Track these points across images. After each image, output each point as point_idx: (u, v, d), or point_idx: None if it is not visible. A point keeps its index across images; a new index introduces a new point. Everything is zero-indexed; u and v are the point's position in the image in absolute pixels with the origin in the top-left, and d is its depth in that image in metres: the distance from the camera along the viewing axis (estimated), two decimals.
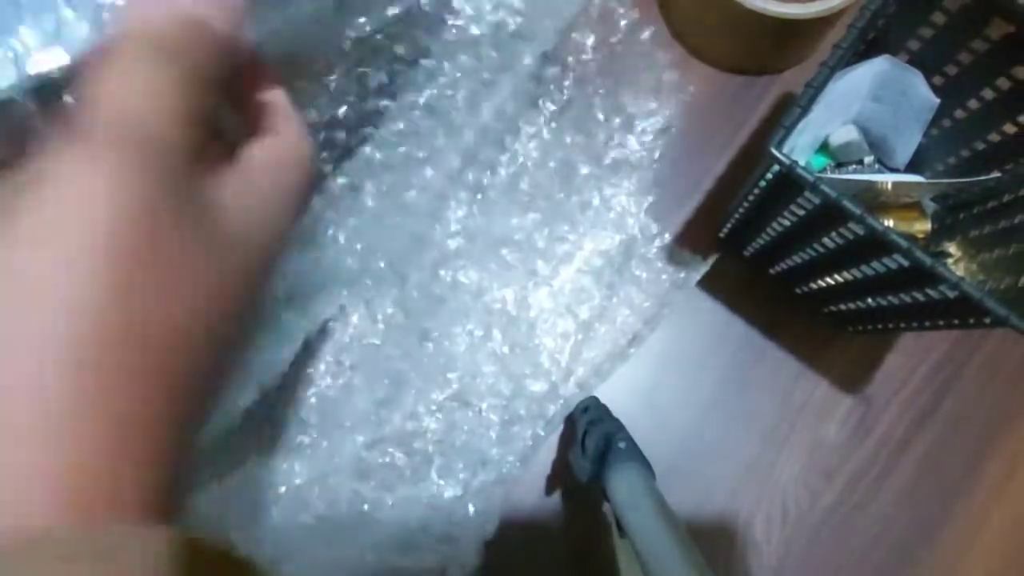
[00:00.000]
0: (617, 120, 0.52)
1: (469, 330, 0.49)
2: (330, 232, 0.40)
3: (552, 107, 0.51)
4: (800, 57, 0.56)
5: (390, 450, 0.47)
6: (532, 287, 0.51)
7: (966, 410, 0.52)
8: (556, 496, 0.50)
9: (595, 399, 0.49)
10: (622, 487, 0.38)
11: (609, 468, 0.39)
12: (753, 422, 0.52)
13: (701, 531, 0.50)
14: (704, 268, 0.52)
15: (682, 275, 0.52)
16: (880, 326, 0.47)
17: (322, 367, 0.47)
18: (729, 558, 0.50)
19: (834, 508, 0.51)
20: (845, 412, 0.52)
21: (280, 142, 0.22)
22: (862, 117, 0.51)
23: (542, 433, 0.49)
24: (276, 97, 0.24)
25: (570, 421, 0.50)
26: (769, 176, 0.38)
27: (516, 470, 0.48)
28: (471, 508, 0.47)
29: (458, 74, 0.40)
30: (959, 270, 0.46)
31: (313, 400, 0.47)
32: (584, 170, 0.52)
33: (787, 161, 0.34)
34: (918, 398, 0.52)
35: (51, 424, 0.14)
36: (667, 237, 0.53)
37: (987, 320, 0.35)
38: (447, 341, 0.49)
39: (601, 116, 0.52)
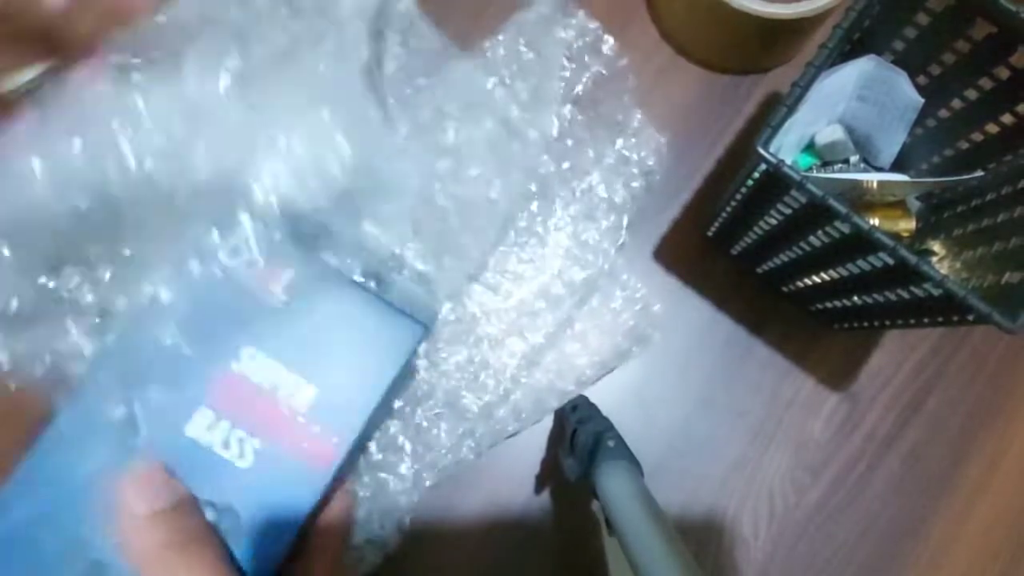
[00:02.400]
0: (604, 159, 0.51)
1: None
2: None
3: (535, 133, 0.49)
4: (786, 57, 0.57)
5: None
6: (487, 301, 0.49)
7: (950, 406, 0.53)
8: (545, 494, 0.50)
9: (584, 398, 0.49)
10: (611, 485, 0.38)
11: (598, 466, 0.40)
12: (740, 419, 0.52)
13: (690, 528, 0.50)
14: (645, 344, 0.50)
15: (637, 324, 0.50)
16: (865, 324, 0.48)
17: None
18: (717, 554, 0.50)
19: (821, 504, 0.51)
20: (831, 409, 0.52)
21: None
22: (847, 116, 0.51)
23: (467, 453, 0.47)
24: None
25: (559, 419, 0.50)
26: (756, 175, 0.38)
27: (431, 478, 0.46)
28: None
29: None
30: (943, 268, 0.46)
31: None
32: (561, 200, 0.51)
33: (774, 160, 0.34)
34: (903, 395, 0.53)
35: None
36: (634, 283, 0.51)
37: (970, 317, 0.35)
38: None
39: (591, 152, 0.51)
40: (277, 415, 0.32)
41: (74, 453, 0.30)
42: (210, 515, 0.30)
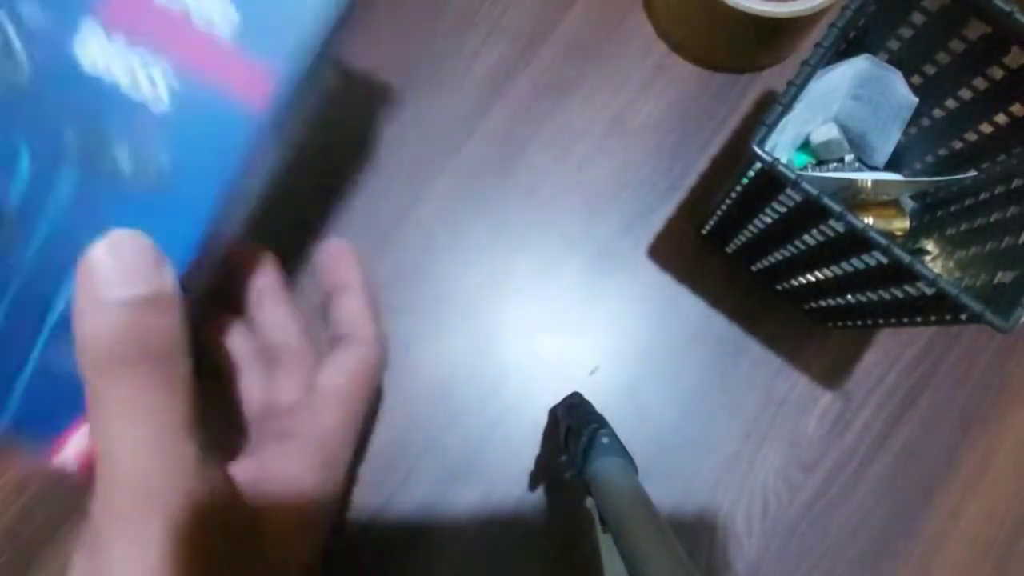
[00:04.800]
0: None
1: None
2: None
3: None
4: (782, 55, 0.57)
5: None
6: None
7: (942, 405, 0.53)
8: (539, 491, 0.50)
9: (578, 395, 0.49)
10: (605, 481, 0.38)
11: (592, 463, 0.40)
12: (734, 417, 0.52)
13: (683, 524, 0.50)
14: None
15: None
16: (859, 322, 0.48)
17: None
18: (710, 551, 0.50)
19: (814, 501, 0.51)
20: (824, 407, 0.53)
21: (358, 356, 0.30)
22: (842, 115, 0.51)
23: None
24: (352, 300, 0.30)
25: (552, 416, 0.50)
26: (751, 173, 0.38)
27: None
28: None
29: None
30: (936, 267, 0.47)
31: None
32: None
33: (769, 158, 0.34)
34: (896, 393, 0.53)
35: None
36: None
37: (963, 316, 0.35)
38: None
39: None
40: (191, 34, 0.24)
41: None
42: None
